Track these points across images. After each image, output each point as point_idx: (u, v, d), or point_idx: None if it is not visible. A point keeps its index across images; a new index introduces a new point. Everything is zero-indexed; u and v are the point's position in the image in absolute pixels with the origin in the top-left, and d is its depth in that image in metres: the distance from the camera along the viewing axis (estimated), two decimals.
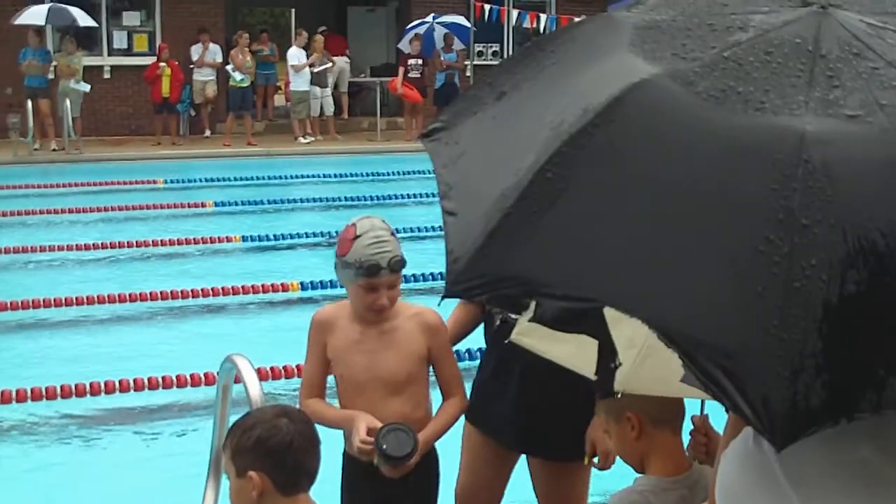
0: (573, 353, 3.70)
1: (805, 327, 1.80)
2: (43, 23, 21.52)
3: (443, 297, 2.15)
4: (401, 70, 23.65)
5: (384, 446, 3.74)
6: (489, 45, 26.33)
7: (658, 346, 3.16)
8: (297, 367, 7.29)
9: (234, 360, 4.24)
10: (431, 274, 10.79)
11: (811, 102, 1.93)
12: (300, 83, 23.26)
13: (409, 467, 3.81)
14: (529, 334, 4.00)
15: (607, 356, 2.59)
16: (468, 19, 24.22)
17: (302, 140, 23.12)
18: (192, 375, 7.56)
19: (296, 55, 23.35)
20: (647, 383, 3.33)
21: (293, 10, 32.84)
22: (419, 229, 13.57)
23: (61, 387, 7.50)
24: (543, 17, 23.77)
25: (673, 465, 3.28)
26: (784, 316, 1.81)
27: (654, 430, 3.27)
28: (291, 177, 18.14)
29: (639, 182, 1.98)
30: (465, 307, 4.33)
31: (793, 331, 1.80)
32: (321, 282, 10.13)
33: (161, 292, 9.98)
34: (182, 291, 10.04)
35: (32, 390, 7.43)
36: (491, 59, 26.07)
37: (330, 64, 23.66)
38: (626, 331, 3.29)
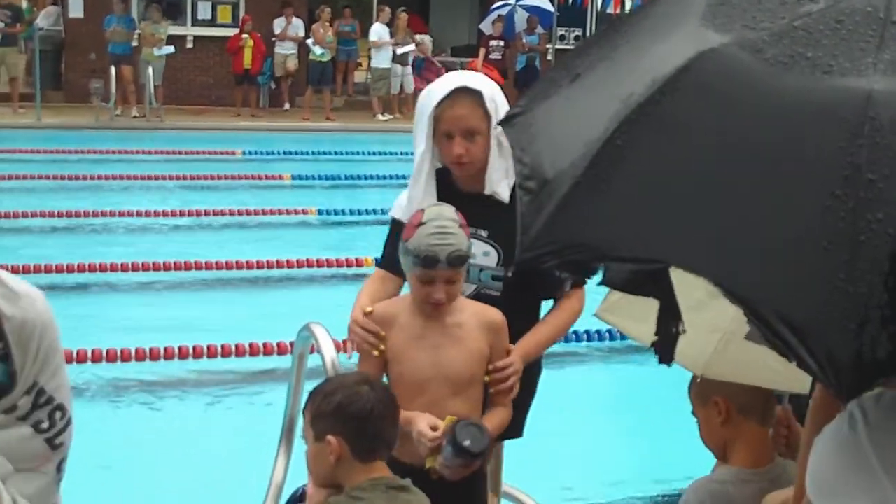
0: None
1: (871, 280, 1.83)
2: None
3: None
4: (482, 51, 23.61)
5: (465, 442, 3.48)
6: (571, 29, 26.21)
7: (741, 332, 3.12)
8: None
9: (312, 328, 4.24)
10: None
11: (880, 64, 1.95)
12: (382, 60, 23.32)
13: (477, 466, 3.63)
14: (614, 312, 4.00)
15: (669, 320, 2.55)
16: (552, 2, 24.12)
17: (380, 117, 23.18)
18: (264, 344, 7.62)
19: (378, 32, 23.40)
20: (729, 369, 3.32)
21: None
22: None
23: (136, 350, 7.60)
24: (628, 1, 23.59)
25: (756, 457, 3.24)
26: (850, 269, 1.84)
27: (741, 418, 3.23)
28: (368, 153, 18.19)
29: (706, 145, 2.02)
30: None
31: (858, 284, 1.83)
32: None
33: (237, 262, 10.05)
34: (258, 262, 10.10)
35: (110, 351, 7.53)
36: (573, 44, 25.93)
37: (413, 46, 23.68)
38: (709, 315, 3.27)
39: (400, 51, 23.09)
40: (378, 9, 24.25)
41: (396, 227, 4.00)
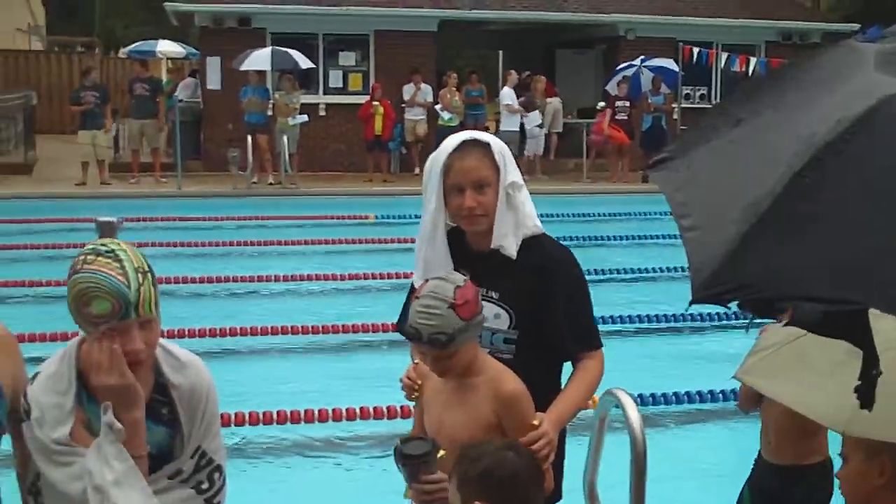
0: (800, 393, 3.64)
1: None
2: (268, 68, 22.30)
3: (690, 304, 2.18)
4: (608, 112, 23.63)
5: (399, 445, 3.53)
6: (697, 87, 26.11)
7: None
8: None
9: (616, 393, 4.30)
10: (629, 316, 10.73)
11: None
12: (510, 123, 23.48)
13: (426, 478, 3.51)
14: (752, 373, 3.96)
15: (869, 363, 2.49)
16: (676, 62, 24.05)
17: None
18: (401, 407, 7.67)
19: (508, 95, 23.58)
20: (875, 427, 3.20)
21: (500, 53, 33.25)
22: (621, 271, 13.52)
23: (279, 412, 7.72)
24: (753, 60, 23.39)
25: None
26: None
27: None
28: None
29: None
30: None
31: None
32: None
33: (373, 324, 10.10)
34: (393, 324, 10.15)
35: (252, 414, 7.67)
36: (699, 102, 25.84)
37: (538, 114, 23.92)
38: (850, 372, 3.20)
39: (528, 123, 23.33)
40: (505, 73, 24.42)
41: (410, 295, 3.97)
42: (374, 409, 7.72)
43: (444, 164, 3.84)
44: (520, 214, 3.88)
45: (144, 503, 3.08)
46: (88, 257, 3.02)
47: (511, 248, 3.84)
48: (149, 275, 3.06)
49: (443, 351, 3.49)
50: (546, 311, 3.81)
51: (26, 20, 44.27)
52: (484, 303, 3.72)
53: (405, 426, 7.51)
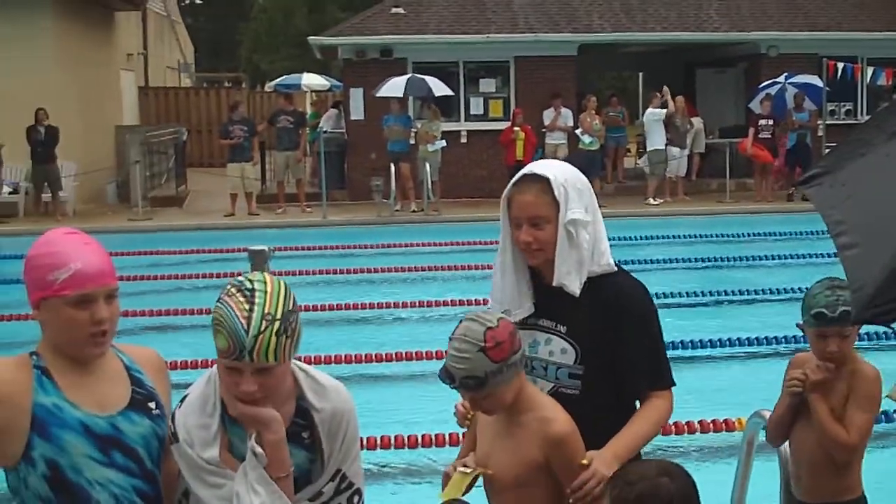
0: None
1: None
2: (401, 94, 22.53)
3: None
4: (751, 131, 23.28)
5: None
6: (842, 103, 25.57)
7: None
8: None
9: (764, 415, 4.43)
10: (775, 338, 10.52)
11: None
12: (657, 142, 23.31)
13: None
14: None
15: None
16: (820, 78, 23.58)
17: (651, 202, 23.11)
18: None
19: (655, 114, 23.43)
20: None
21: (640, 75, 33.06)
22: (766, 291, 13.28)
23: (436, 436, 7.74)
24: None
25: None
26: None
27: None
28: (640, 238, 18.10)
29: None
30: None
31: None
32: (671, 342, 10.06)
33: None
34: None
35: (398, 438, 7.72)
36: (844, 118, 25.29)
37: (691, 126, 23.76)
38: None
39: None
40: (651, 94, 24.23)
41: None
42: None
43: (506, 196, 3.81)
44: (583, 252, 3.75)
45: None
46: (231, 289, 3.09)
47: (574, 286, 3.73)
48: (277, 323, 3.05)
49: (476, 393, 3.47)
50: (614, 347, 3.71)
51: (176, 58, 45.53)
52: (552, 336, 3.73)
53: None
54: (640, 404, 3.76)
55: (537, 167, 3.81)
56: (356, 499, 3.32)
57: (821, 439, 4.10)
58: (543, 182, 3.73)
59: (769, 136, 23.19)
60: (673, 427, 7.50)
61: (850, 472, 4.24)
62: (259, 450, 3.11)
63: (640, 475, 3.10)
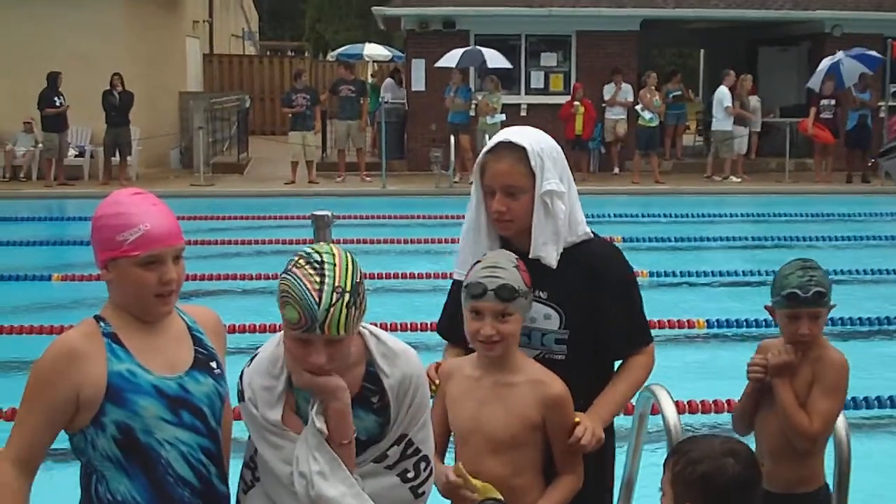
0: None
1: None
2: (455, 65, 22.47)
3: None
4: (812, 110, 23.02)
5: None
6: None
7: None
8: (705, 402, 7.24)
9: (654, 390, 4.24)
10: (840, 319, 10.42)
11: None
12: (724, 123, 23.14)
13: None
14: None
15: None
16: (883, 54, 23.20)
17: (734, 179, 23.00)
18: None
19: (726, 96, 23.23)
20: None
21: (702, 52, 32.75)
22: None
23: None
24: None
25: None
26: None
27: None
28: (698, 215, 17.98)
29: None
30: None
31: None
32: (727, 320, 10.01)
33: None
34: None
35: None
36: None
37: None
38: None
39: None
40: (724, 73, 23.99)
41: (455, 290, 3.88)
42: None
43: (480, 163, 3.74)
44: (559, 223, 3.70)
45: (348, 492, 3.14)
46: (300, 261, 3.06)
47: (551, 258, 3.69)
48: (347, 295, 3.03)
49: (506, 306, 3.48)
50: (594, 313, 3.70)
51: (241, 26, 45.71)
52: (535, 304, 3.66)
53: None
54: (621, 364, 3.80)
55: (513, 135, 3.73)
56: (423, 465, 3.32)
57: (783, 426, 3.94)
58: (520, 151, 3.67)
59: (831, 117, 22.91)
60: (713, 405, 7.48)
61: (812, 461, 4.05)
62: (320, 423, 3.13)
63: (704, 454, 3.03)
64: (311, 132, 22.78)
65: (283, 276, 3.06)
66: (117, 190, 3.35)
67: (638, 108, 23.14)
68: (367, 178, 22.89)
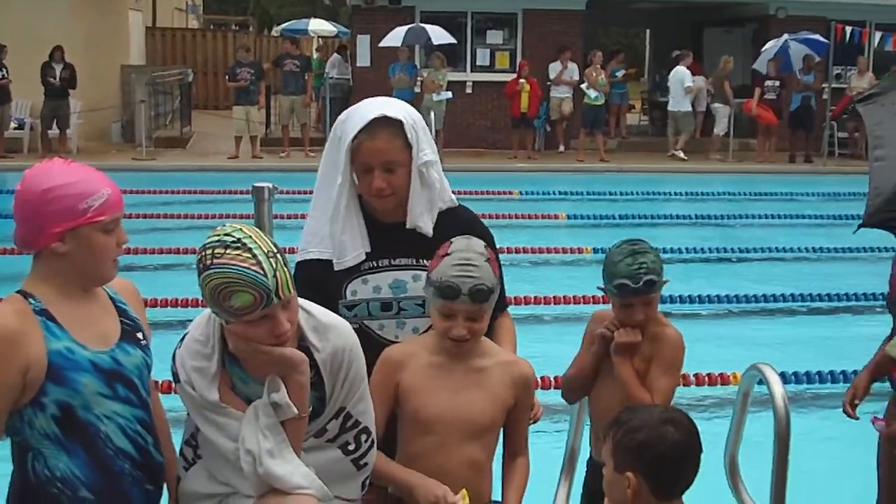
0: None
1: None
2: (399, 44, 22.40)
3: (858, 227, 2.22)
4: (756, 91, 23.18)
5: None
6: (848, 67, 25.38)
7: None
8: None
9: (760, 367, 4.35)
10: (773, 295, 10.55)
11: None
12: (683, 103, 23.52)
13: None
14: None
15: None
16: (828, 39, 23.43)
17: (679, 154, 23.16)
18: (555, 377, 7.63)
19: (685, 75, 23.40)
20: None
21: (648, 31, 32.91)
22: (764, 249, 13.31)
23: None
24: None
25: None
26: None
27: None
28: (642, 193, 18.09)
29: None
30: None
31: None
32: (670, 296, 10.08)
33: (524, 297, 10.02)
34: (535, 297, 10.18)
35: None
36: (848, 82, 25.14)
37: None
38: None
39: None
40: (682, 53, 24.12)
41: (304, 273, 3.72)
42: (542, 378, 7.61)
43: (352, 142, 3.64)
44: (434, 192, 3.74)
45: (296, 470, 3.13)
46: (217, 251, 2.98)
47: (427, 227, 3.72)
48: (278, 255, 3.03)
49: (481, 307, 3.42)
50: None
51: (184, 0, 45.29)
52: (419, 272, 3.66)
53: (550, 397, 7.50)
54: (497, 327, 3.85)
55: (384, 109, 3.67)
56: (364, 437, 3.30)
57: (624, 402, 3.85)
58: (395, 125, 3.64)
59: (774, 98, 23.09)
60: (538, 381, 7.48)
61: None
62: (285, 400, 3.09)
63: (643, 422, 3.08)
64: (254, 107, 22.61)
65: (210, 271, 2.97)
66: (44, 161, 3.25)
67: (583, 86, 23.17)
68: (311, 154, 22.78)
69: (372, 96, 3.94)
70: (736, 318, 10.56)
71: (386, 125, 3.62)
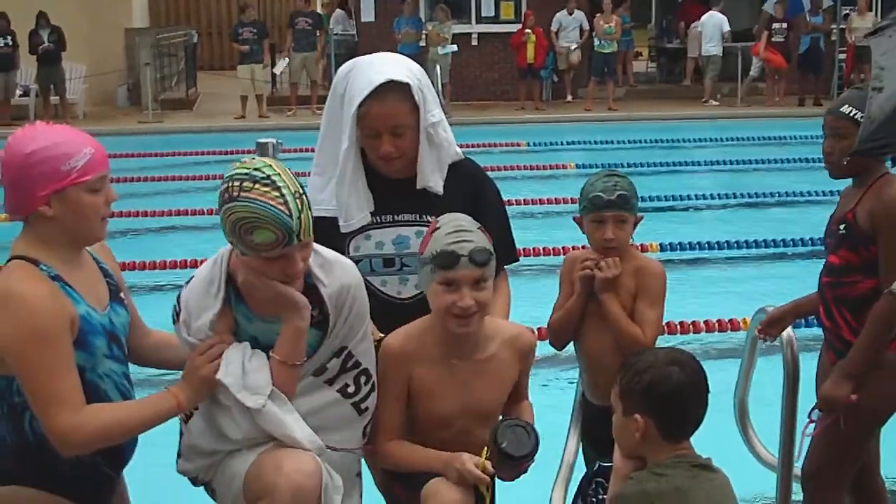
0: None
1: None
2: None
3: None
4: (764, 34, 22.99)
5: (503, 444, 3.29)
6: (856, 7, 25.16)
7: None
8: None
9: (768, 310, 4.40)
10: (783, 240, 10.54)
11: None
12: (718, 48, 23.43)
13: (525, 469, 3.40)
14: None
15: None
16: None
17: (713, 103, 23.09)
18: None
19: (723, 20, 23.50)
20: None
21: None
22: (772, 194, 13.27)
23: None
24: None
25: None
26: None
27: None
28: (650, 141, 18.01)
29: None
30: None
31: None
32: (680, 243, 10.08)
33: (533, 248, 10.10)
34: (544, 249, 10.20)
35: None
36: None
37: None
38: None
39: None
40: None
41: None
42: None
43: (358, 108, 3.62)
44: (442, 150, 3.76)
45: (290, 417, 3.17)
46: (245, 184, 3.01)
47: (438, 185, 3.74)
48: (304, 198, 3.07)
49: (482, 271, 3.35)
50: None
51: None
52: (422, 228, 3.64)
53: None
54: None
55: (392, 71, 3.65)
56: (364, 379, 3.32)
57: (617, 340, 3.89)
58: (402, 89, 3.64)
59: (782, 40, 22.92)
60: (678, 326, 7.58)
61: None
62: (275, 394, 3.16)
63: (648, 364, 3.10)
64: (259, 65, 22.53)
65: (234, 204, 3.01)
66: (22, 128, 3.24)
67: (595, 38, 22.91)
68: (318, 111, 22.68)
69: (377, 51, 3.94)
70: (747, 263, 10.54)
71: (393, 89, 3.63)
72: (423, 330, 3.51)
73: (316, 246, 3.30)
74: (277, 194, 3.00)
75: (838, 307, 4.20)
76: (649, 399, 3.05)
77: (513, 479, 3.43)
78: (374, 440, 3.48)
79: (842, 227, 4.13)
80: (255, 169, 3.06)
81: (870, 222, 3.98)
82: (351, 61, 3.84)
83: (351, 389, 3.30)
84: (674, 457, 3.07)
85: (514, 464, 3.34)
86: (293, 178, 3.08)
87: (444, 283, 3.35)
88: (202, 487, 3.43)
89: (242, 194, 3.01)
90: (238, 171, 3.08)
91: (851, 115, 3.97)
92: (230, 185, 3.05)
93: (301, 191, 3.07)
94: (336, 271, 3.29)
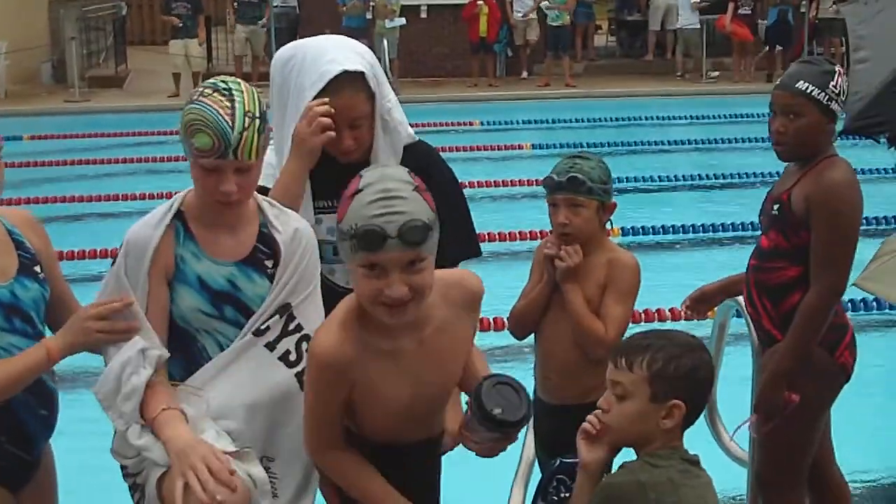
0: None
1: None
2: None
3: (841, 133, 2.23)
4: (731, 6, 23.08)
5: (496, 410, 2.94)
6: None
7: None
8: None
9: (738, 300, 4.41)
10: (751, 223, 10.59)
11: None
12: (691, 18, 23.66)
13: (515, 438, 3.17)
14: (874, 279, 3.91)
15: None
16: None
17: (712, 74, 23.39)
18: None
19: None
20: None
21: None
22: (739, 175, 13.34)
23: None
24: None
25: None
26: None
27: None
28: (610, 119, 18.07)
29: None
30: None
31: None
32: (642, 227, 10.14)
33: (488, 233, 10.02)
34: (499, 234, 10.22)
35: None
36: None
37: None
38: None
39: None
40: None
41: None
42: (494, 319, 7.61)
43: (310, 102, 3.60)
44: (396, 135, 3.76)
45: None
46: (206, 90, 3.22)
47: None
48: (257, 120, 3.20)
49: (418, 251, 2.82)
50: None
51: None
52: None
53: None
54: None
55: (343, 60, 3.61)
56: (304, 346, 3.29)
57: (575, 335, 3.87)
58: (356, 79, 3.61)
59: (749, 13, 23.03)
60: (643, 315, 7.62)
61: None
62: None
63: (681, 348, 3.03)
64: (194, 41, 22.31)
65: (190, 106, 3.19)
66: None
67: (544, 6, 22.89)
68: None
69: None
70: (712, 246, 10.60)
71: (347, 81, 3.61)
72: (353, 318, 3.01)
73: (273, 201, 3.45)
74: (228, 105, 3.16)
75: (759, 294, 4.19)
76: (691, 384, 3.00)
77: (497, 454, 3.20)
78: (313, 449, 3.17)
79: (775, 207, 4.12)
80: (223, 81, 3.27)
81: (804, 206, 3.97)
82: (289, 47, 3.86)
83: (293, 358, 3.30)
84: (670, 448, 3.03)
85: (510, 431, 3.07)
86: (256, 101, 3.22)
87: (367, 265, 2.84)
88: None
89: (200, 98, 3.20)
90: (209, 80, 3.29)
91: (808, 91, 3.97)
92: (196, 90, 3.26)
93: (257, 114, 3.19)
94: (290, 219, 3.42)
